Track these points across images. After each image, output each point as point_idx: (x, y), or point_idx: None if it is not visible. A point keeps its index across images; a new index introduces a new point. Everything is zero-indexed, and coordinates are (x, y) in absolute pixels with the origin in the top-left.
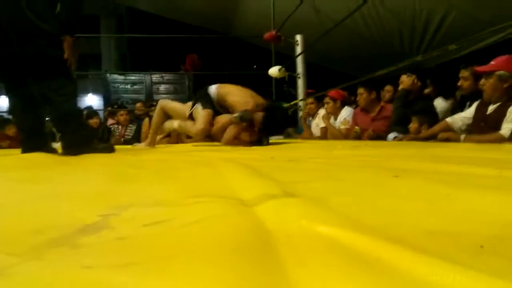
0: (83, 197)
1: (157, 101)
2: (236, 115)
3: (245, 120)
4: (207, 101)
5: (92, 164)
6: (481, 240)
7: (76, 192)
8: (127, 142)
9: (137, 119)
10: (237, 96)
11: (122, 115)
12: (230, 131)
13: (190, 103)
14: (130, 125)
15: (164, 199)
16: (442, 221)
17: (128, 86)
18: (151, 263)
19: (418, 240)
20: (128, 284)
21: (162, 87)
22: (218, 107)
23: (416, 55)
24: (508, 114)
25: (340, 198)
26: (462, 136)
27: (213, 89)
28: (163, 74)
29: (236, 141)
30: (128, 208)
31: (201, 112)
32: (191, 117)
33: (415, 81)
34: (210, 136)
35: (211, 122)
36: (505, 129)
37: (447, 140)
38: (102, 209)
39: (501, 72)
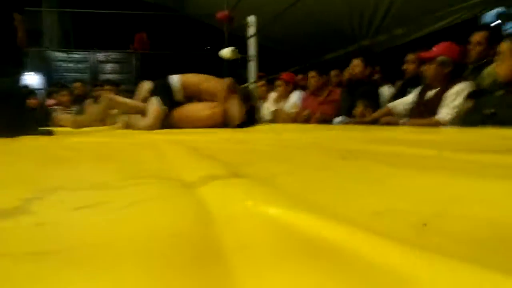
0: (5, 180)
1: (101, 82)
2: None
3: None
4: (166, 96)
5: (23, 147)
6: (425, 218)
7: None
8: None
9: (80, 100)
10: (212, 81)
11: (64, 96)
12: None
13: (140, 97)
14: (72, 107)
15: (99, 181)
16: (387, 200)
17: (71, 65)
18: (71, 251)
19: (364, 219)
20: (38, 274)
21: (108, 66)
22: (181, 97)
23: (364, 39)
24: (443, 99)
25: (287, 178)
26: (401, 121)
27: (175, 79)
28: (109, 53)
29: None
30: (56, 192)
31: (155, 108)
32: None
33: (361, 67)
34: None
35: (161, 119)
36: (440, 114)
37: (388, 124)
38: (25, 193)
39: (443, 57)
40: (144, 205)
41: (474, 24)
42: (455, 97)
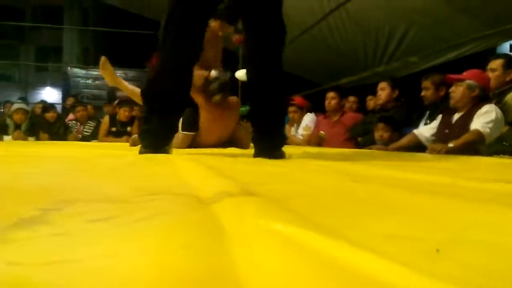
0: (26, 191)
1: (117, 98)
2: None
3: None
4: None
5: (44, 158)
6: (437, 244)
7: (20, 185)
8: (85, 138)
9: (94, 117)
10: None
11: (79, 111)
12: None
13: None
14: (89, 122)
15: (115, 195)
16: (399, 225)
17: (90, 81)
18: (86, 261)
19: (375, 242)
20: (53, 283)
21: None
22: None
23: (378, 66)
24: (473, 119)
25: (299, 200)
26: (430, 146)
27: None
28: (127, 71)
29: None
30: (74, 203)
31: None
32: None
33: (389, 89)
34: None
35: None
36: (477, 124)
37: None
38: (44, 203)
39: (471, 81)
40: (157, 219)
41: (492, 54)
42: (488, 114)
